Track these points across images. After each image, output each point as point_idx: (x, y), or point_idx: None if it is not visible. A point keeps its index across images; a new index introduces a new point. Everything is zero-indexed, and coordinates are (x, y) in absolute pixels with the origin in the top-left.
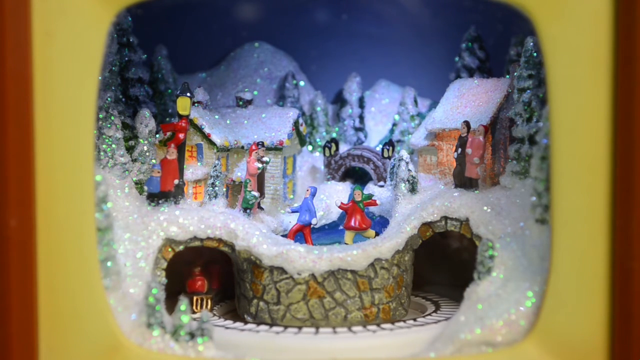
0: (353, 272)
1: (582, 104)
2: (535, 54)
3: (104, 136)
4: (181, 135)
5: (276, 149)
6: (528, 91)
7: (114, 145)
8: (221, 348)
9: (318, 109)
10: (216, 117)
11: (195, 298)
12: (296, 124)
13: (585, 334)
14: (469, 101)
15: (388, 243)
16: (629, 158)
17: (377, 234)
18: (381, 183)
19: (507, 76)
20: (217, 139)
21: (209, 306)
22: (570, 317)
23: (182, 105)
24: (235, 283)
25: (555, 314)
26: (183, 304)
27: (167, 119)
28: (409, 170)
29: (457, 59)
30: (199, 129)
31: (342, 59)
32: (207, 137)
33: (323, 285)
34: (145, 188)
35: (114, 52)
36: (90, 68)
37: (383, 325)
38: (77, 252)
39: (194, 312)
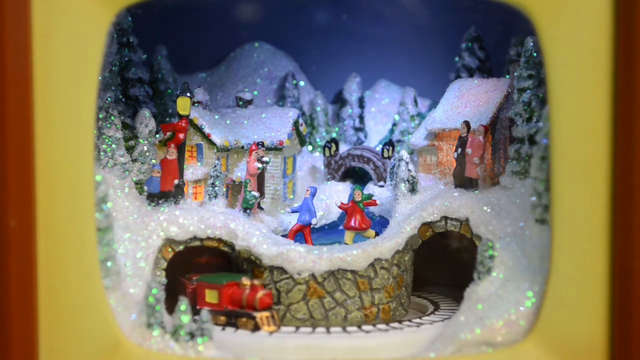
0: (353, 272)
1: (582, 104)
2: (535, 54)
3: (104, 136)
4: (181, 135)
5: (276, 149)
6: (528, 91)
7: (114, 145)
8: (221, 348)
9: (318, 109)
10: (216, 117)
11: (271, 313)
12: (296, 124)
13: (585, 334)
14: (469, 101)
15: (388, 243)
16: (629, 158)
17: (377, 234)
18: (381, 183)
19: (507, 76)
20: (217, 139)
21: (277, 320)
22: (570, 317)
23: (182, 105)
24: None
25: (555, 314)
26: (183, 304)
27: (167, 119)
28: (409, 170)
29: (457, 59)
30: (199, 129)
31: (342, 59)
32: (207, 137)
33: (323, 285)
34: (145, 188)
35: (114, 52)
36: (90, 68)
37: (383, 325)
38: (77, 252)
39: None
